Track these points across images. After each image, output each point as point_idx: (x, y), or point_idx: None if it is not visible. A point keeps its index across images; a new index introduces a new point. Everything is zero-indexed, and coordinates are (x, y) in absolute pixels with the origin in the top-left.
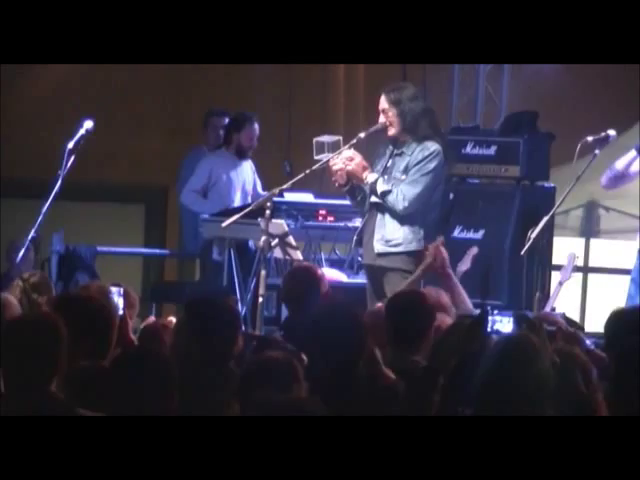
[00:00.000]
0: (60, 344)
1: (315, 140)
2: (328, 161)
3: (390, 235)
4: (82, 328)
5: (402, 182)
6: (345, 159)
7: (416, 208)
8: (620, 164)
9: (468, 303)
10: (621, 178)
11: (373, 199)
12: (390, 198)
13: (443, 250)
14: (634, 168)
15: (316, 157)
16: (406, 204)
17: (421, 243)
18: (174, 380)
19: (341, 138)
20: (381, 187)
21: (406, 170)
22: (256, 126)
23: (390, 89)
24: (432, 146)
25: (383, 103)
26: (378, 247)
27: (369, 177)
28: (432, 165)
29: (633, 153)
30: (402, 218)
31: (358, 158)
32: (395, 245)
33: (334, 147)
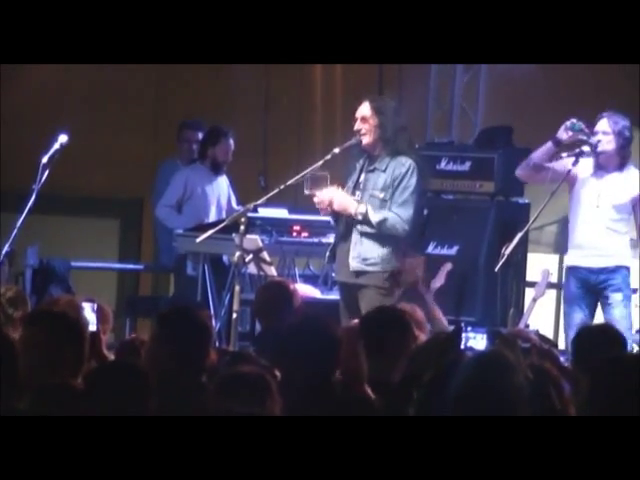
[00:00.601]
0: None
1: (305, 178)
2: (302, 176)
3: (367, 254)
4: (55, 343)
5: (382, 202)
6: (327, 201)
7: (411, 229)
8: (536, 154)
9: (442, 320)
10: (537, 169)
11: (364, 228)
12: (388, 225)
13: (419, 269)
14: (557, 166)
15: (306, 192)
16: (406, 227)
17: (398, 260)
18: (150, 392)
19: (328, 175)
20: (374, 217)
21: (385, 188)
22: (231, 141)
23: (373, 98)
24: (406, 161)
25: (365, 110)
26: (354, 265)
27: (359, 209)
28: (413, 181)
29: (549, 144)
30: (380, 237)
31: (338, 195)
32: (372, 264)
33: (321, 181)
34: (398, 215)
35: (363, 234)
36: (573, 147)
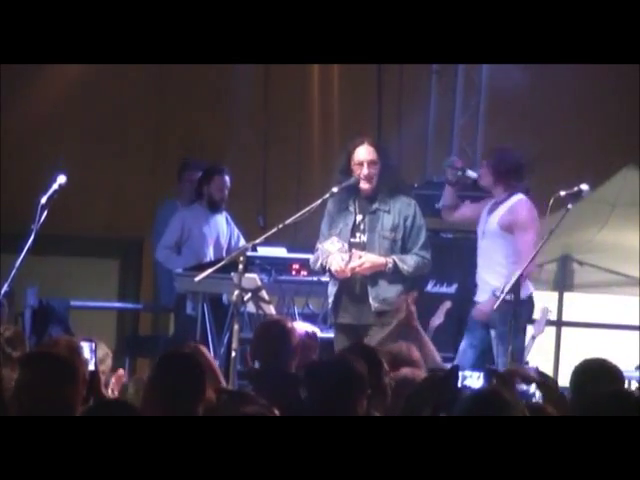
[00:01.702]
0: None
1: (320, 245)
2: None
3: (386, 294)
4: (50, 384)
5: (393, 242)
6: (356, 268)
7: None
8: (443, 198)
9: (436, 356)
10: (449, 210)
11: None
12: (419, 269)
13: (410, 304)
14: (467, 212)
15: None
16: (429, 266)
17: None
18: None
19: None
20: (405, 265)
21: (394, 228)
22: (226, 177)
23: (375, 143)
24: (411, 201)
25: (372, 154)
26: (376, 306)
27: (389, 264)
28: (422, 221)
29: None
30: (393, 276)
31: (368, 261)
32: (390, 303)
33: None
34: (424, 257)
35: (377, 276)
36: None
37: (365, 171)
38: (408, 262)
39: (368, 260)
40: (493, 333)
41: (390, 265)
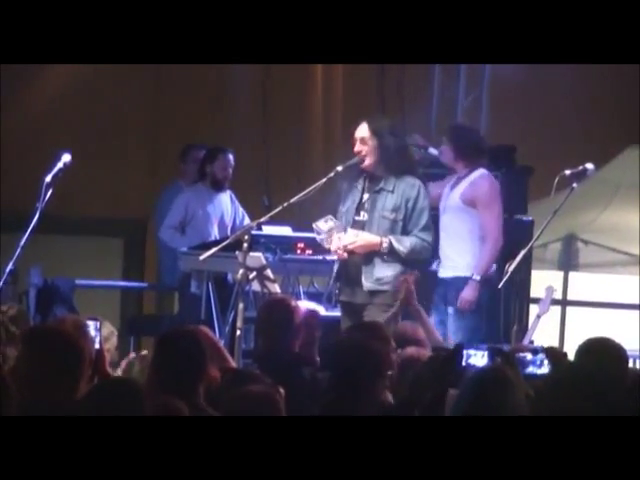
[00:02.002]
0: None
1: (315, 225)
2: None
3: (380, 273)
4: (50, 361)
5: (394, 223)
6: (348, 246)
7: None
8: None
9: (437, 335)
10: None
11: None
12: (417, 251)
13: (410, 284)
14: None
15: (318, 238)
16: (430, 249)
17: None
18: (148, 412)
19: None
20: (401, 246)
21: (395, 209)
22: (230, 156)
23: (372, 119)
24: (415, 182)
25: (363, 132)
26: (368, 285)
27: (384, 243)
28: (427, 202)
29: None
30: (389, 257)
31: (361, 239)
32: (385, 283)
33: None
34: (424, 240)
35: (374, 255)
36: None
37: (355, 148)
38: (404, 243)
39: (361, 239)
40: (450, 310)
41: (385, 245)
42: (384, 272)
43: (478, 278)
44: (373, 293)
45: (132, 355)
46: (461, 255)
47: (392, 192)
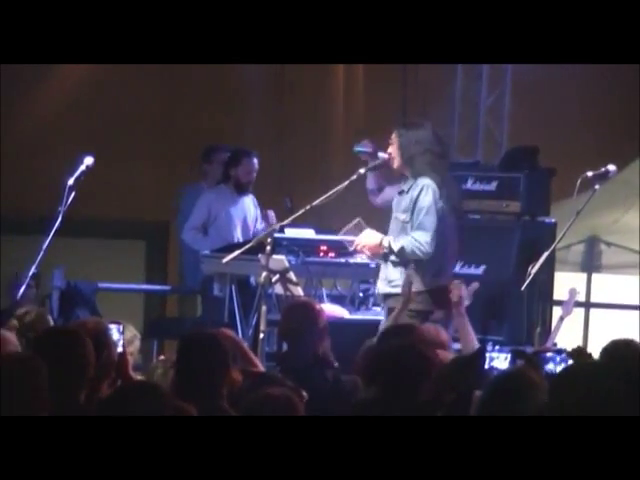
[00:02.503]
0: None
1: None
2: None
3: (391, 275)
4: (56, 362)
5: (404, 224)
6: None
7: (435, 249)
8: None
9: (475, 342)
10: (374, 194)
11: (393, 258)
12: (408, 251)
13: (463, 290)
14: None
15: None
16: (425, 249)
17: (424, 283)
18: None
19: (359, 220)
20: (395, 246)
21: (406, 210)
22: (254, 160)
23: (400, 123)
24: (422, 182)
25: (392, 134)
26: (381, 287)
27: (384, 243)
28: (426, 201)
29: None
30: (397, 258)
31: (363, 239)
32: (396, 286)
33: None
34: (415, 239)
35: (388, 257)
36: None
37: (388, 151)
38: (398, 244)
39: (362, 240)
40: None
41: (385, 245)
42: (393, 274)
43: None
44: (386, 296)
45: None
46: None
47: (407, 193)
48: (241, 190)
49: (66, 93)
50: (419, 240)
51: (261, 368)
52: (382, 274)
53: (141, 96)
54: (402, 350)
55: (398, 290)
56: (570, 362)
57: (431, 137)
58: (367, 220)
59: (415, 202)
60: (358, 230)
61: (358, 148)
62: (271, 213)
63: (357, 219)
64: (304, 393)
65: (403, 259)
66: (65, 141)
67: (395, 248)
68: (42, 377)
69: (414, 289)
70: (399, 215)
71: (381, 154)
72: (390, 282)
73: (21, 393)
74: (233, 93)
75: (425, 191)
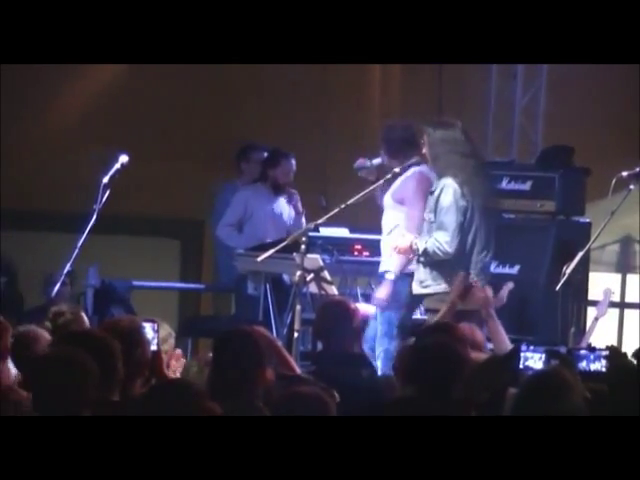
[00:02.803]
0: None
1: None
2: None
3: (422, 276)
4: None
5: (431, 224)
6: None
7: (458, 248)
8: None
9: (507, 343)
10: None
11: (422, 259)
12: (430, 252)
13: (488, 291)
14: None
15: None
16: (446, 249)
17: (452, 281)
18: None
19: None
20: (420, 246)
21: (431, 210)
22: (293, 162)
23: (430, 123)
24: (443, 182)
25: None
26: (415, 289)
27: (413, 246)
28: (446, 201)
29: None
30: (429, 259)
31: (400, 242)
32: (426, 286)
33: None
34: (437, 239)
35: (418, 259)
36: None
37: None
38: (422, 245)
39: (398, 242)
40: (377, 310)
41: (415, 247)
42: (425, 275)
43: (392, 277)
44: (418, 296)
45: (180, 355)
46: (388, 252)
47: (432, 194)
48: (278, 190)
49: (98, 92)
50: (439, 240)
51: (295, 367)
52: (415, 275)
53: (179, 95)
54: (437, 347)
55: (429, 290)
56: (603, 361)
57: (458, 136)
58: None
59: (437, 202)
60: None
61: (358, 167)
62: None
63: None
64: (335, 393)
65: (429, 260)
66: (99, 140)
67: (420, 249)
68: (92, 377)
69: (440, 289)
70: (427, 215)
71: (376, 160)
72: (421, 283)
73: (71, 391)
74: (268, 93)
75: (445, 191)
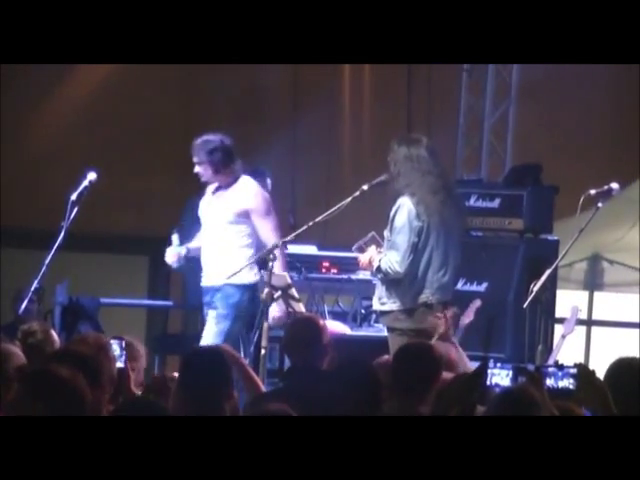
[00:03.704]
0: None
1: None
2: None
3: (379, 293)
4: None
5: (388, 242)
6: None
7: (409, 268)
8: None
9: (468, 365)
10: None
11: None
12: (383, 270)
13: (449, 319)
14: None
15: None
16: (396, 268)
17: (406, 300)
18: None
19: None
20: (375, 264)
21: (387, 228)
22: (268, 181)
23: (396, 140)
24: (399, 200)
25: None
26: (375, 305)
27: (373, 263)
28: (400, 222)
29: None
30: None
31: (362, 257)
32: (382, 303)
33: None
34: (389, 259)
35: (376, 275)
36: None
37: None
38: (377, 263)
39: (361, 258)
40: (212, 313)
41: (374, 264)
42: (382, 292)
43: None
44: (379, 314)
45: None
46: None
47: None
48: None
49: (75, 108)
50: (391, 260)
51: (260, 385)
52: (375, 291)
53: (145, 111)
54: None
55: (386, 308)
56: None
57: (422, 153)
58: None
59: (392, 221)
60: (373, 244)
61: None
62: None
63: (371, 233)
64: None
65: (384, 277)
66: (70, 156)
67: (375, 266)
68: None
69: (395, 307)
70: (385, 234)
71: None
72: (379, 299)
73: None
74: (238, 107)
75: (400, 211)
